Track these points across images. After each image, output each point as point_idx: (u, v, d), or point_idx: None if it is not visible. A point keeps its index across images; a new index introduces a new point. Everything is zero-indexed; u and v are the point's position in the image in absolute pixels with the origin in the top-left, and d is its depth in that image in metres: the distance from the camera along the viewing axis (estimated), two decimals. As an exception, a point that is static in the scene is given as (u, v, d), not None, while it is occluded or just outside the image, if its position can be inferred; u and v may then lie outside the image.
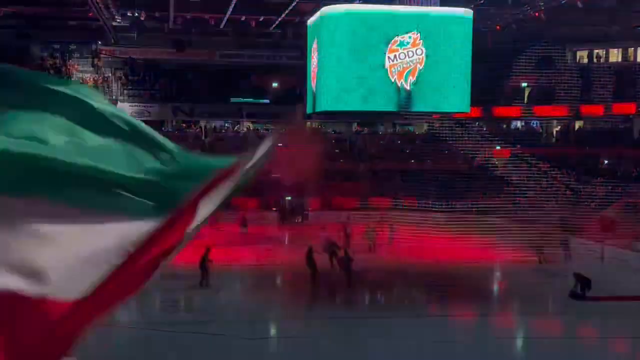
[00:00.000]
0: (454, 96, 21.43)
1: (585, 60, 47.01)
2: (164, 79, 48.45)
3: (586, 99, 41.49)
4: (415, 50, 20.80)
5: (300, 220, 36.03)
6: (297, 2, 32.42)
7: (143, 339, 15.91)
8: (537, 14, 34.34)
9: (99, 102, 2.69)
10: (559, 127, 49.74)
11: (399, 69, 20.68)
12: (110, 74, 47.00)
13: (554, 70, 39.65)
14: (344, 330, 16.63)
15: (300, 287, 21.10)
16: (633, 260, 25.67)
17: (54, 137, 2.42)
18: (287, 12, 34.59)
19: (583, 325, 18.66)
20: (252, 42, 45.19)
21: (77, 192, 2.38)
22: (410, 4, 21.48)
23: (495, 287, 25.00)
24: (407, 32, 20.77)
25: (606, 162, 40.30)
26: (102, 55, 46.19)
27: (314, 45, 22.01)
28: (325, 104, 21.23)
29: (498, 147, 41.42)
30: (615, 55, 46.33)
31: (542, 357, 15.44)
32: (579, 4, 31.96)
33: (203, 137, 47.45)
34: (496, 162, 40.28)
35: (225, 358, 14.89)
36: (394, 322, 17.18)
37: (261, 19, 37.32)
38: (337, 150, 46.56)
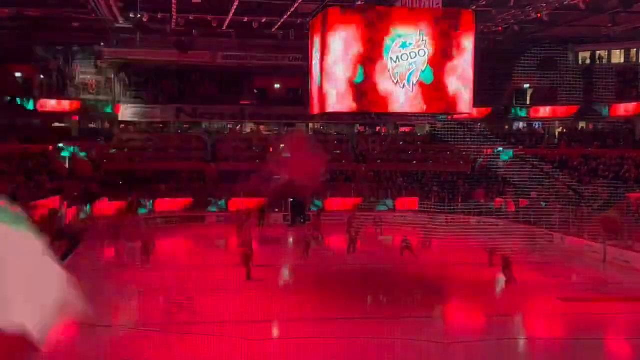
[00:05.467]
0: (457, 97, 21.43)
1: (588, 61, 47.00)
2: (166, 80, 48.52)
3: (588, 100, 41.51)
4: (418, 52, 20.81)
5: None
6: (300, 4, 32.44)
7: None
8: (539, 14, 34.30)
9: None
10: (561, 128, 49.74)
11: (401, 70, 20.70)
12: (112, 76, 47.07)
13: (556, 72, 39.60)
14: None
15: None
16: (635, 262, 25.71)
17: None
18: (289, 13, 34.61)
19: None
20: (255, 44, 45.21)
21: None
22: (412, 5, 21.48)
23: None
24: (409, 33, 20.79)
25: (608, 163, 40.21)
26: (104, 57, 46.24)
27: (317, 46, 22.03)
28: (328, 105, 21.24)
29: (500, 149, 41.45)
30: (617, 56, 46.29)
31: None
32: (581, 5, 31.91)
33: (206, 139, 47.50)
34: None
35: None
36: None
37: (263, 20, 37.31)
38: (338, 152, 46.64)
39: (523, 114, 48.06)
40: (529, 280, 23.85)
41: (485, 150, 41.78)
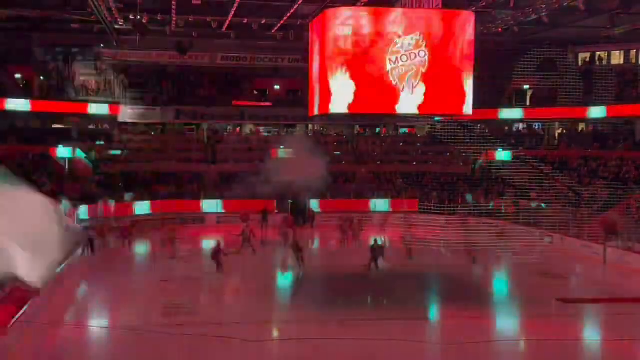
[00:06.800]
0: (456, 98, 21.41)
1: (588, 62, 47.00)
2: (166, 81, 48.51)
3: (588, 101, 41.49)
4: (418, 53, 20.79)
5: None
6: (299, 5, 32.47)
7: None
8: (539, 16, 34.33)
9: None
10: (561, 129, 49.75)
11: (400, 71, 20.68)
12: (112, 77, 47.05)
13: (555, 73, 39.59)
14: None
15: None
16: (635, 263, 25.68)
17: None
18: (289, 14, 34.64)
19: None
20: (254, 45, 45.24)
21: None
22: (412, 6, 21.47)
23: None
24: (409, 34, 20.76)
25: (608, 164, 40.19)
26: (104, 59, 46.23)
27: (316, 48, 22.02)
28: (327, 107, 21.23)
29: (500, 150, 41.41)
30: (617, 57, 46.30)
31: None
32: (581, 6, 31.95)
33: (205, 140, 47.48)
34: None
35: None
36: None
37: (263, 21, 37.34)
38: (338, 153, 46.64)
39: (522, 115, 48.00)
40: (528, 281, 23.88)
41: (485, 153, 41.73)
